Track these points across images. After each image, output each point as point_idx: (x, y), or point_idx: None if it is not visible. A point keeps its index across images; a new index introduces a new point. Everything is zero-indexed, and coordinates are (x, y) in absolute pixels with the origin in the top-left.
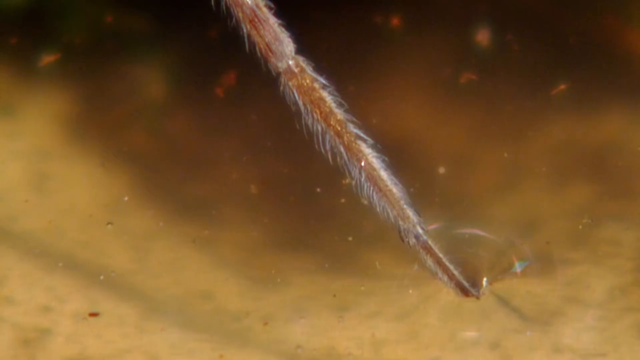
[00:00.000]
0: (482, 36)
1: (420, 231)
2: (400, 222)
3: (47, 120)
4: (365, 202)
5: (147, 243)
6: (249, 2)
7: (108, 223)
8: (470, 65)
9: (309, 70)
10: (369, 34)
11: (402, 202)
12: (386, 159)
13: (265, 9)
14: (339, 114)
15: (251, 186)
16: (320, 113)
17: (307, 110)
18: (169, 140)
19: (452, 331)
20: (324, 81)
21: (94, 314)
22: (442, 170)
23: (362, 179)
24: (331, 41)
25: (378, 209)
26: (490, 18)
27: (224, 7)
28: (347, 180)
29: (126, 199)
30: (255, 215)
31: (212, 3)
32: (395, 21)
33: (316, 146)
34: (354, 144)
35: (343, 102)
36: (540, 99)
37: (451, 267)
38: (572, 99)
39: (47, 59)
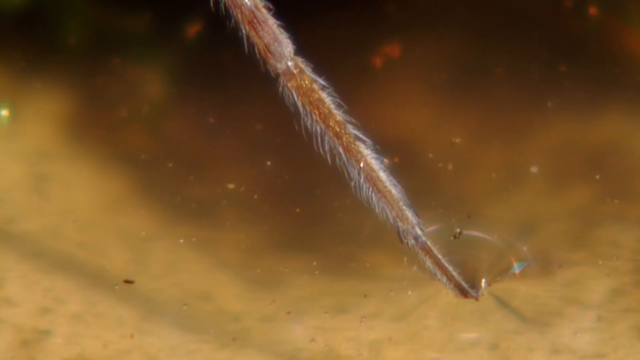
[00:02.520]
0: None
1: (419, 232)
2: (399, 223)
3: (47, 121)
4: (365, 203)
5: (146, 244)
6: (248, 3)
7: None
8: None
9: (307, 71)
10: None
11: (401, 203)
12: (385, 160)
13: (264, 10)
14: (338, 115)
15: (250, 187)
16: (319, 114)
17: (306, 111)
18: (168, 141)
19: (451, 332)
20: (323, 82)
21: (129, 281)
22: (441, 170)
23: (361, 180)
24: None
25: (377, 210)
26: None
27: (223, 8)
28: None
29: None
30: (254, 217)
31: (211, 4)
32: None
33: (315, 147)
34: (353, 145)
35: (342, 103)
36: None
37: (450, 268)
38: (571, 100)
39: (193, 29)
